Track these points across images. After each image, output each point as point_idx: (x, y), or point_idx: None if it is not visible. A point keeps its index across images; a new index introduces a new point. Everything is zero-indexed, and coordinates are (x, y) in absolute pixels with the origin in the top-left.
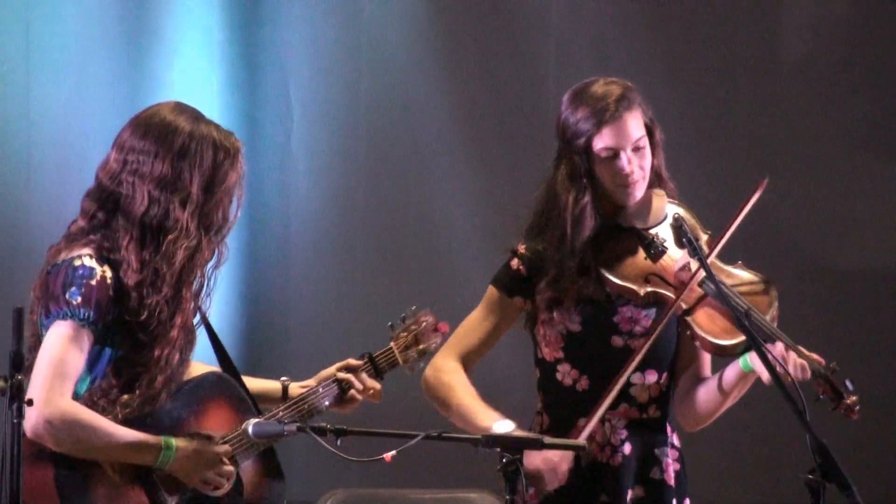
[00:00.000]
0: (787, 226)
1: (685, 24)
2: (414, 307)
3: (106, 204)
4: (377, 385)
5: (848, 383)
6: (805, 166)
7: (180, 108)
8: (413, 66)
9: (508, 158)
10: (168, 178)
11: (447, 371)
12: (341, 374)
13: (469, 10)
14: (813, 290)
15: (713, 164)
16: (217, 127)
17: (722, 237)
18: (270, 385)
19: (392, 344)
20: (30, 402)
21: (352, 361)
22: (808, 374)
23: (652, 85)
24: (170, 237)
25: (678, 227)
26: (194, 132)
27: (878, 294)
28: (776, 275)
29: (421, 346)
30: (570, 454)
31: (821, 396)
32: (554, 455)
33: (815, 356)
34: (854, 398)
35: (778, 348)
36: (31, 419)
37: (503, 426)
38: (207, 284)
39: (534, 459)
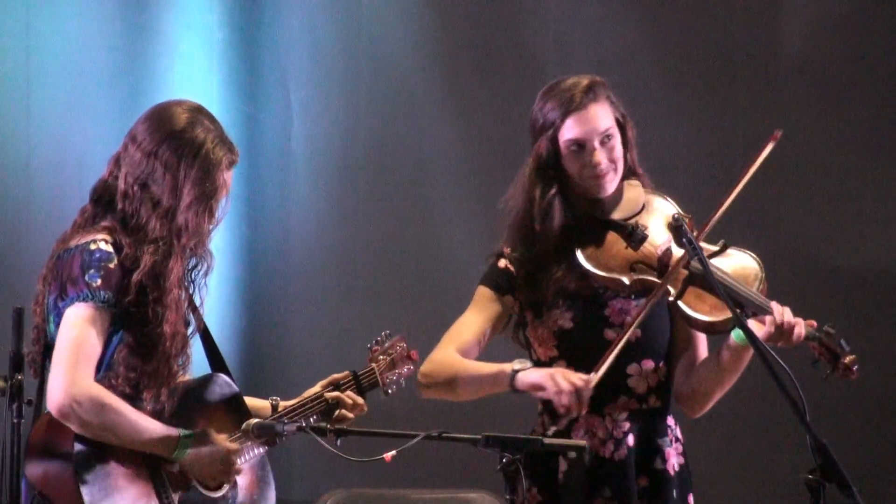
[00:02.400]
0: (785, 225)
1: (684, 24)
2: (388, 332)
3: (110, 186)
4: (361, 400)
5: (843, 343)
6: (804, 166)
7: (195, 108)
8: (412, 66)
9: (508, 158)
10: (142, 172)
11: (446, 356)
12: (329, 394)
13: (469, 10)
14: (812, 290)
15: (712, 162)
16: (215, 137)
17: (732, 192)
18: (260, 403)
19: (373, 365)
20: (29, 403)
21: (336, 376)
22: (804, 334)
23: (651, 84)
24: (139, 236)
25: (678, 228)
26: (185, 132)
27: (878, 294)
28: (775, 274)
29: (396, 371)
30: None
31: (818, 359)
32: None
33: (808, 321)
34: (851, 357)
35: (775, 310)
36: (58, 399)
37: (521, 362)
38: (199, 293)
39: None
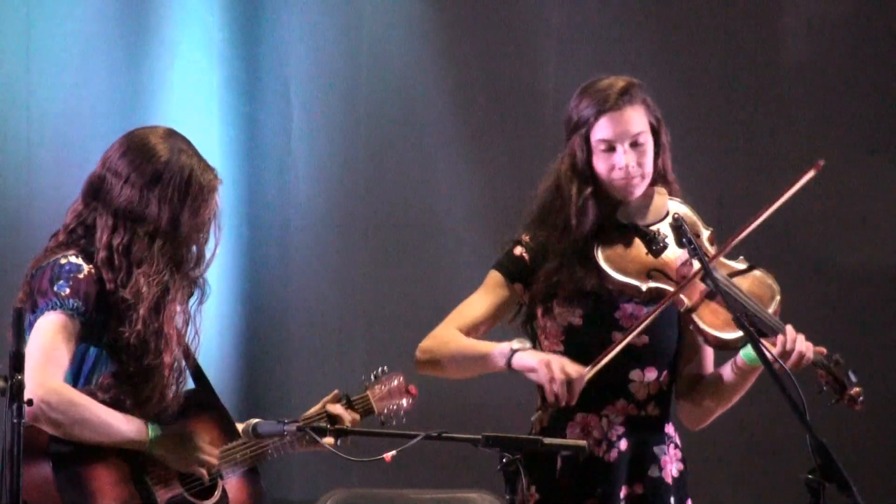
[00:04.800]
0: (787, 225)
1: (686, 24)
2: (385, 367)
3: (86, 219)
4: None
5: (851, 374)
6: (805, 166)
7: (170, 135)
8: (413, 66)
9: (509, 157)
10: (134, 206)
11: (444, 333)
12: (332, 408)
13: (469, 9)
14: (813, 289)
15: (713, 163)
16: (199, 161)
17: (763, 213)
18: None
19: (368, 392)
20: (29, 402)
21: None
22: (812, 359)
23: (652, 84)
24: (138, 270)
25: (678, 228)
26: (171, 162)
27: (879, 293)
28: (776, 273)
29: (394, 401)
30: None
31: (824, 388)
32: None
33: (817, 347)
34: (857, 389)
35: (789, 332)
36: None
37: (520, 342)
38: (193, 323)
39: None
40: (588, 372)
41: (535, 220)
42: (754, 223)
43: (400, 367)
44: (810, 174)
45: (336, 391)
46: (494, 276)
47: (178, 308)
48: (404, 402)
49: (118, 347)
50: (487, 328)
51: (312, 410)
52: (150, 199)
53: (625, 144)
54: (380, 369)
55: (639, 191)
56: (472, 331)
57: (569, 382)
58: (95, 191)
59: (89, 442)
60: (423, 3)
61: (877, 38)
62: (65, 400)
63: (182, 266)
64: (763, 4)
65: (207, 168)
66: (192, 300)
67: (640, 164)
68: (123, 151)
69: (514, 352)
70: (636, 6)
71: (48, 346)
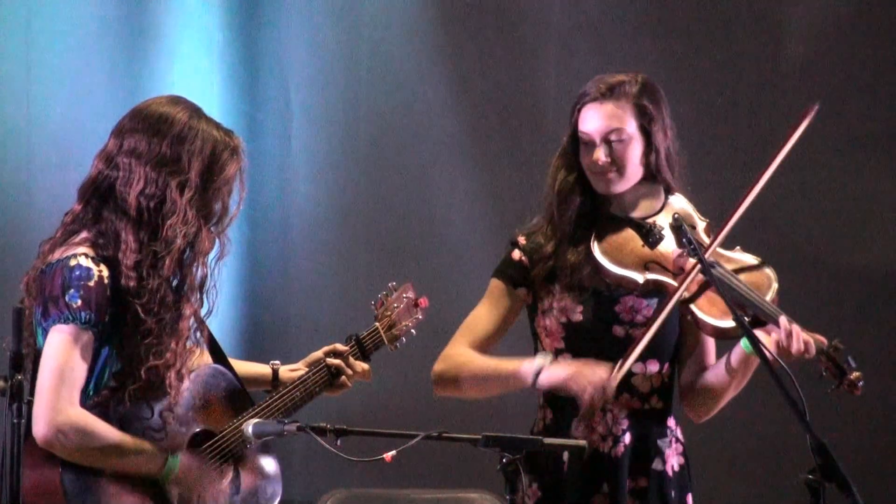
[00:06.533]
0: (787, 224)
1: (686, 24)
2: (394, 283)
3: (101, 187)
4: (366, 366)
5: (850, 360)
6: (805, 165)
7: (177, 100)
8: (413, 66)
9: (509, 156)
10: (166, 159)
11: (459, 354)
12: (331, 360)
13: (470, 9)
14: (812, 289)
15: (713, 162)
16: (216, 123)
17: (757, 182)
18: (261, 369)
19: (377, 324)
20: (29, 403)
21: (339, 347)
22: (813, 350)
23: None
24: (168, 221)
25: (677, 227)
26: (192, 122)
27: (878, 293)
28: (778, 274)
29: (404, 324)
30: (607, 373)
31: (823, 374)
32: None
33: (816, 335)
34: (857, 374)
35: (782, 324)
36: (41, 428)
37: (543, 356)
38: (211, 277)
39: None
40: (616, 372)
41: (542, 207)
42: (743, 204)
43: (399, 371)
44: (805, 122)
45: (337, 346)
46: (497, 285)
47: (200, 262)
48: (413, 320)
49: (139, 301)
50: (499, 339)
51: (313, 356)
52: (180, 151)
53: (598, 139)
54: (389, 285)
55: (616, 187)
56: (484, 345)
57: (602, 387)
58: (111, 156)
59: (102, 468)
60: (423, 3)
61: (877, 38)
62: (81, 431)
63: (209, 219)
64: (763, 4)
65: (226, 129)
66: (212, 256)
67: (614, 162)
68: (143, 117)
69: (540, 368)
70: (636, 6)
71: (63, 365)
